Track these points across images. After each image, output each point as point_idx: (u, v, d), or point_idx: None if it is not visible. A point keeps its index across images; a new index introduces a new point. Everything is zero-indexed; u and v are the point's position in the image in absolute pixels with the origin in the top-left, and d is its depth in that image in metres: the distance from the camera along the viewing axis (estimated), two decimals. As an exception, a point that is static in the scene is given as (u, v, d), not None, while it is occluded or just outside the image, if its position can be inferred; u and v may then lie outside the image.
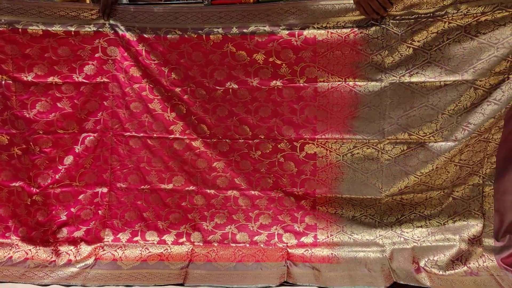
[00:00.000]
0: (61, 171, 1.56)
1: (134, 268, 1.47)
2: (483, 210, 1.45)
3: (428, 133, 1.42)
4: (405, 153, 1.45)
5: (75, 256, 1.51)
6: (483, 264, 1.41)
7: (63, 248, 1.53)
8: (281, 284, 1.36)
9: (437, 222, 1.50)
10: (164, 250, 1.55)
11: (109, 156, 1.59)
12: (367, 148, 1.48)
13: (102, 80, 1.56)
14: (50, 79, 1.52)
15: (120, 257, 1.52)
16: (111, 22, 1.52)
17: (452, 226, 1.48)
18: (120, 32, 1.53)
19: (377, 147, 1.47)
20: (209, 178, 1.59)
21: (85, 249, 1.54)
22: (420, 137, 1.42)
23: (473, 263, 1.41)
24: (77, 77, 1.54)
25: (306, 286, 1.36)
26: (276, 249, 1.53)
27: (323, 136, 1.50)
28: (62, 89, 1.54)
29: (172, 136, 1.58)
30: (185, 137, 1.58)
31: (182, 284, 1.39)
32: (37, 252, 1.54)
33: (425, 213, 1.50)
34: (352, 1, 1.38)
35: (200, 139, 1.58)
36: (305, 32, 1.43)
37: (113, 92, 1.57)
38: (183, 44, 1.49)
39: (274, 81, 1.49)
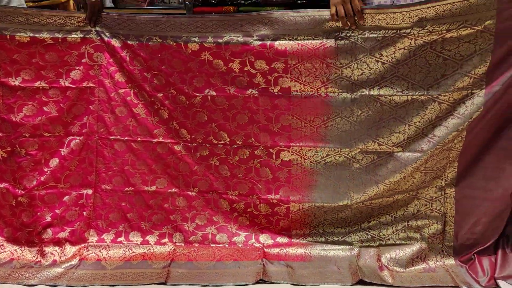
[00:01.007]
0: (47, 173, 1.59)
1: (118, 268, 1.53)
2: (444, 210, 1.53)
3: (396, 143, 1.47)
4: (375, 162, 1.51)
5: (60, 257, 1.55)
6: (441, 260, 1.52)
7: (48, 249, 1.57)
8: (257, 282, 1.45)
9: (401, 220, 1.59)
10: (147, 250, 1.61)
11: (94, 159, 1.64)
12: (339, 157, 1.54)
13: (88, 85, 1.60)
14: (37, 84, 1.55)
15: (104, 257, 1.57)
16: (97, 28, 1.56)
17: (414, 224, 1.57)
18: (106, 39, 1.57)
19: (349, 155, 1.53)
20: (190, 181, 1.65)
21: (70, 249, 1.58)
22: (389, 147, 1.48)
23: (432, 260, 1.52)
24: (64, 82, 1.57)
25: (280, 283, 1.45)
26: (254, 248, 1.60)
27: (297, 144, 1.56)
28: (48, 94, 1.57)
29: (156, 140, 1.63)
30: (168, 141, 1.63)
31: (164, 283, 1.45)
32: (22, 252, 1.57)
33: (392, 213, 1.59)
34: (321, 13, 1.42)
35: (182, 143, 1.63)
36: (276, 44, 1.46)
37: (99, 96, 1.62)
38: (164, 51, 1.54)
39: (250, 90, 1.53)
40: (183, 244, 1.64)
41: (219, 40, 1.49)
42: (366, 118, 1.49)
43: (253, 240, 1.64)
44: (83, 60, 1.58)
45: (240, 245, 1.63)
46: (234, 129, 1.59)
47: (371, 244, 1.59)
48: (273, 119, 1.56)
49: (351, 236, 1.61)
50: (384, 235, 1.60)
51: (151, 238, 1.65)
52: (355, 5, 1.36)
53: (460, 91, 1.38)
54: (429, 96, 1.41)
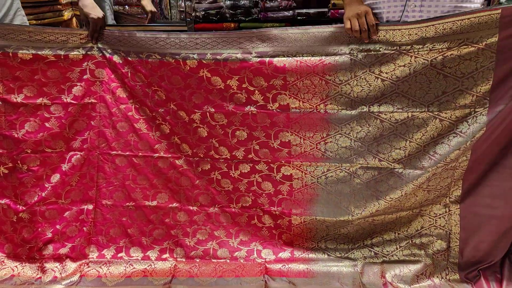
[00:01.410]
0: (48, 189, 1.59)
1: (118, 284, 1.52)
2: (449, 226, 1.51)
3: (397, 160, 1.46)
4: (376, 178, 1.49)
5: (60, 273, 1.54)
6: (446, 277, 1.50)
7: (48, 265, 1.57)
8: (259, 299, 1.44)
9: (405, 236, 1.57)
10: (148, 266, 1.60)
11: (95, 174, 1.64)
12: (340, 172, 1.53)
13: (90, 101, 1.61)
14: (39, 100, 1.56)
15: (105, 273, 1.56)
16: (99, 45, 1.58)
17: (418, 241, 1.55)
18: (107, 55, 1.58)
19: (349, 171, 1.52)
20: (192, 195, 1.65)
21: (70, 265, 1.57)
22: (389, 163, 1.47)
23: (437, 277, 1.50)
24: (66, 98, 1.58)
25: (281, 301, 1.44)
26: (255, 264, 1.59)
27: (298, 160, 1.55)
28: (50, 110, 1.58)
29: (157, 154, 1.63)
30: (169, 155, 1.63)
31: (165, 300, 1.44)
32: (23, 269, 1.57)
33: (395, 229, 1.58)
34: (321, 30, 1.42)
35: (183, 158, 1.63)
36: (275, 60, 1.46)
37: (100, 112, 1.62)
38: (163, 68, 1.54)
39: (248, 107, 1.54)
40: (184, 260, 1.62)
41: (218, 57, 1.50)
42: (366, 134, 1.48)
43: (255, 255, 1.63)
44: (84, 76, 1.59)
45: (241, 260, 1.61)
46: (234, 145, 1.59)
47: (375, 261, 1.57)
48: (272, 136, 1.56)
49: (354, 253, 1.59)
50: (387, 251, 1.58)
51: (152, 254, 1.64)
52: (370, 20, 1.35)
53: (462, 109, 1.36)
54: (430, 113, 1.39)
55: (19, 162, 1.57)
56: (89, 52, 1.58)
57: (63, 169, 1.61)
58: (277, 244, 1.64)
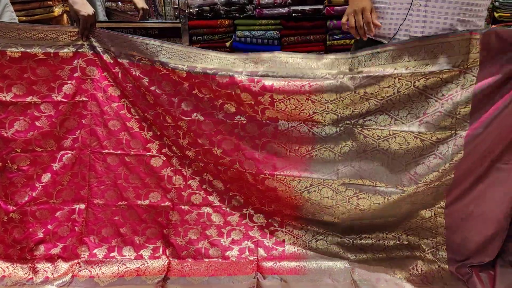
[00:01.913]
0: (38, 188, 1.57)
1: (111, 284, 1.51)
2: (435, 228, 1.54)
3: (378, 178, 1.48)
4: (358, 195, 1.52)
5: (52, 274, 1.54)
6: (438, 273, 1.53)
7: (40, 266, 1.56)
8: (251, 297, 1.45)
9: (393, 237, 1.61)
10: (141, 265, 1.60)
11: (87, 173, 1.62)
12: (323, 187, 1.54)
13: (81, 99, 1.59)
14: (29, 99, 1.54)
15: (97, 273, 1.56)
16: (90, 43, 1.55)
17: (406, 240, 1.59)
18: (99, 53, 1.56)
19: (332, 186, 1.53)
20: (184, 194, 1.65)
21: (62, 266, 1.57)
22: (371, 181, 1.49)
23: (429, 273, 1.53)
24: (56, 97, 1.56)
25: (274, 298, 1.45)
26: (247, 262, 1.61)
27: (281, 173, 1.55)
28: (40, 108, 1.55)
29: (149, 153, 1.63)
30: (161, 154, 1.63)
31: (157, 300, 1.45)
32: (14, 269, 1.56)
33: (383, 230, 1.62)
34: (311, 56, 1.49)
35: (176, 157, 1.64)
36: (264, 80, 1.47)
37: (91, 110, 1.61)
38: (154, 73, 1.53)
39: (238, 116, 1.54)
40: (176, 259, 1.63)
41: (208, 71, 1.50)
42: (350, 149, 1.50)
43: (247, 253, 1.64)
44: (75, 74, 1.57)
45: (233, 259, 1.63)
46: (220, 154, 1.59)
47: (365, 258, 1.60)
48: (259, 147, 1.56)
49: (344, 251, 1.62)
50: (377, 250, 1.61)
51: (145, 253, 1.64)
52: (366, 17, 1.36)
53: (443, 130, 1.37)
54: (411, 133, 1.41)
55: (8, 161, 1.55)
56: (79, 50, 1.56)
57: (54, 169, 1.59)
58: (268, 243, 1.65)
